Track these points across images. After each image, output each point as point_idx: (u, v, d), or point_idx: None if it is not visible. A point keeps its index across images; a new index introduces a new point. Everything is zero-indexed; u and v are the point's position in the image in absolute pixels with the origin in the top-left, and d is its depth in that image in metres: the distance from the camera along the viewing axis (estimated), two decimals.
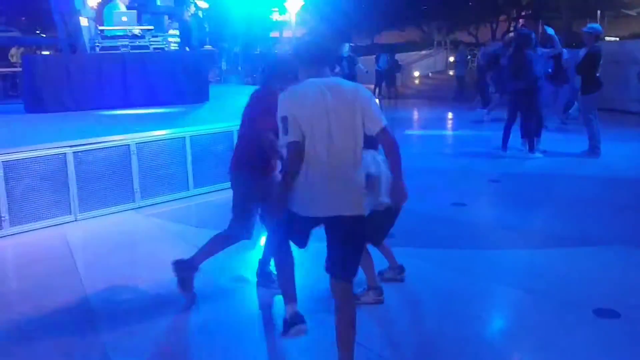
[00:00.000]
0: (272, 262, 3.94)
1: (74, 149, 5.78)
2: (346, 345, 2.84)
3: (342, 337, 2.84)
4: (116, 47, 9.56)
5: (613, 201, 6.30)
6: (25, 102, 8.95)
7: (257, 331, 3.64)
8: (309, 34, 3.11)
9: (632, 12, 25.49)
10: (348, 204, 2.79)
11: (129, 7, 10.23)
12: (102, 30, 9.74)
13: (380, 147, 3.03)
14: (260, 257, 4.15)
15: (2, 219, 5.36)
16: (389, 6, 29.01)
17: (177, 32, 11.15)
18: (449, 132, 13.11)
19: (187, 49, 10.77)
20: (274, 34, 27.52)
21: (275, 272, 3.86)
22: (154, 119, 7.63)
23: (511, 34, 14.14)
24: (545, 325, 3.50)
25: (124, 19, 9.74)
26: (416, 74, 24.34)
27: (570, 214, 5.85)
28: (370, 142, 2.95)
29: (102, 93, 8.84)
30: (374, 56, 20.95)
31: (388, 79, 20.25)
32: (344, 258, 2.85)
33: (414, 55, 26.01)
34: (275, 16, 27.01)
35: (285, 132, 2.75)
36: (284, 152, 2.87)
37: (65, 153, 5.72)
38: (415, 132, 13.11)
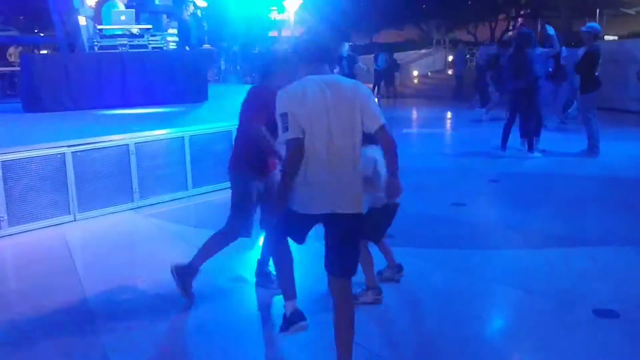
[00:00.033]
0: (270, 262, 3.94)
1: (73, 148, 5.77)
2: (345, 344, 2.83)
3: (341, 336, 2.84)
4: (115, 47, 9.55)
5: (612, 201, 6.30)
6: (23, 102, 8.94)
7: (256, 331, 3.64)
8: (307, 32, 3.10)
9: (631, 11, 25.51)
10: (346, 201, 2.79)
11: (127, 6, 10.23)
12: (100, 30, 9.73)
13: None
14: (259, 257, 4.14)
15: (1, 219, 5.35)
16: (387, 5, 29.01)
17: (175, 31, 11.14)
18: (447, 132, 13.10)
19: (187, 48, 10.76)
20: (273, 33, 27.51)
21: (274, 272, 3.87)
22: (152, 119, 7.62)
23: (510, 34, 14.17)
24: (545, 325, 3.50)
25: (123, 18, 9.73)
26: (415, 73, 24.34)
27: (569, 214, 5.85)
28: (371, 138, 2.95)
29: (100, 92, 8.84)
30: (373, 55, 20.94)
31: (387, 79, 20.24)
32: (342, 256, 2.85)
33: (412, 54, 26.01)
34: (274, 15, 27.00)
35: (285, 129, 2.73)
36: (283, 149, 2.86)
37: (64, 153, 5.71)
38: (414, 131, 13.11)
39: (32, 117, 8.21)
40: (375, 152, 3.27)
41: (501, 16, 32.77)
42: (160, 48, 10.12)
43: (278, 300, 3.68)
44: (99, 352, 3.33)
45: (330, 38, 3.00)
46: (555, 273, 4.32)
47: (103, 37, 9.64)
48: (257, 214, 3.91)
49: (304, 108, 2.73)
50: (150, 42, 9.92)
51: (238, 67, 22.88)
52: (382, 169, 3.17)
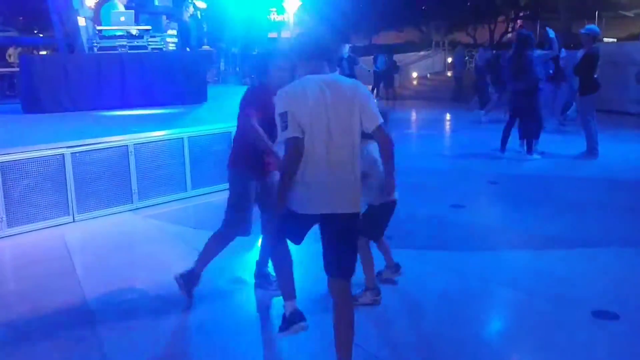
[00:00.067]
0: (269, 264, 3.94)
1: (72, 149, 5.77)
2: (345, 345, 2.83)
3: (341, 337, 2.84)
4: (114, 48, 9.54)
5: (611, 202, 6.31)
6: (22, 103, 8.93)
7: (255, 332, 3.64)
8: (306, 31, 3.10)
9: (630, 14, 25.55)
10: (344, 201, 2.79)
11: (126, 7, 10.22)
12: (100, 30, 9.72)
13: None
14: (258, 258, 4.14)
15: (0, 219, 5.34)
16: (387, 6, 29.00)
17: (175, 33, 11.13)
18: (447, 133, 13.11)
19: (188, 49, 10.76)
20: (272, 34, 27.51)
21: (272, 274, 3.87)
22: (152, 120, 7.61)
23: (509, 36, 14.23)
24: (544, 327, 3.50)
25: (122, 19, 9.72)
26: (414, 74, 24.31)
27: (568, 216, 5.86)
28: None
29: (100, 93, 8.82)
30: (372, 57, 20.94)
31: (386, 80, 20.22)
32: (341, 256, 2.85)
33: (412, 56, 25.98)
34: (274, 16, 27.02)
35: (285, 127, 2.73)
36: (282, 149, 2.86)
37: (63, 154, 5.71)
38: (413, 133, 13.12)
39: (32, 118, 8.20)
40: (376, 150, 3.28)
41: (500, 18, 32.78)
42: (160, 49, 10.11)
43: (277, 301, 3.68)
44: (99, 352, 3.33)
45: (329, 37, 2.99)
46: (554, 274, 4.33)
47: (102, 38, 9.63)
48: (255, 215, 3.91)
49: (304, 107, 2.73)
50: (150, 43, 9.91)
51: (237, 69, 22.86)
52: (381, 167, 3.17)
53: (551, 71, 10.53)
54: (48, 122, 7.52)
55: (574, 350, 3.26)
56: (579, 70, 8.57)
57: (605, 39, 20.92)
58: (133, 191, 6.20)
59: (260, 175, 3.79)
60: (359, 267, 3.22)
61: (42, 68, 8.80)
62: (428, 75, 24.80)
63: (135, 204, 6.23)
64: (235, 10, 22.14)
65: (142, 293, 4.15)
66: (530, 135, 8.61)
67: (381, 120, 2.82)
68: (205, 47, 14.23)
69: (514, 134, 8.77)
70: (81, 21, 9.79)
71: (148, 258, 4.87)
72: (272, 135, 3.30)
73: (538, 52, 8.83)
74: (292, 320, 3.12)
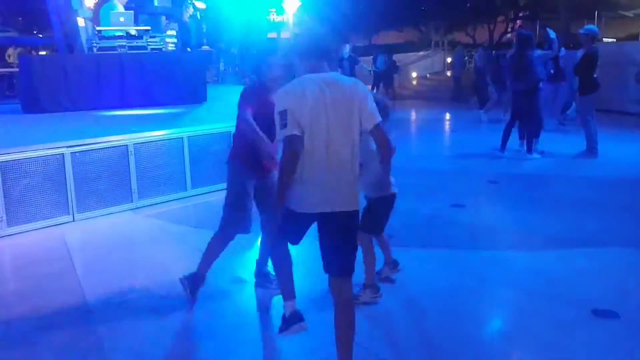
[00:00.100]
0: (269, 262, 3.93)
1: (72, 149, 5.77)
2: (345, 345, 2.83)
3: (342, 336, 2.84)
4: (113, 48, 9.54)
5: (611, 202, 6.31)
6: (22, 103, 8.93)
7: (255, 331, 3.64)
8: (305, 30, 3.10)
9: (629, 14, 25.53)
10: (343, 200, 2.80)
11: (126, 8, 10.22)
12: (99, 31, 9.72)
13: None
14: (258, 257, 4.14)
15: (0, 219, 5.34)
16: (387, 6, 29.00)
17: (174, 33, 11.14)
18: (446, 133, 13.11)
19: (189, 49, 10.76)
20: (272, 34, 27.51)
21: (272, 273, 3.87)
22: (151, 120, 7.61)
23: (508, 36, 14.25)
24: (543, 326, 3.51)
25: (121, 19, 9.72)
26: (414, 74, 24.30)
27: (568, 215, 5.86)
28: None
29: (99, 93, 8.83)
30: (371, 57, 20.93)
31: (385, 80, 20.22)
32: (340, 254, 2.85)
33: (411, 55, 25.97)
34: (273, 17, 27.00)
35: (284, 125, 2.72)
36: (281, 147, 2.86)
37: (63, 153, 5.71)
38: (413, 132, 13.12)
39: (31, 118, 8.20)
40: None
41: (500, 18, 32.77)
42: (159, 49, 10.11)
43: (277, 300, 3.68)
44: (99, 352, 3.32)
45: (329, 36, 2.98)
46: (554, 273, 4.33)
47: (102, 38, 9.63)
48: (255, 213, 3.91)
49: (304, 106, 2.73)
50: (149, 43, 9.92)
51: (237, 69, 22.86)
52: (377, 159, 3.17)
53: (552, 71, 10.54)
54: (48, 122, 7.53)
55: (573, 350, 3.27)
56: (578, 70, 8.58)
57: (605, 39, 20.94)
58: (133, 191, 6.20)
59: (259, 174, 3.78)
60: (359, 267, 3.22)
61: (42, 68, 8.80)
62: (427, 75, 24.79)
63: (135, 203, 6.23)
64: (235, 11, 22.14)
65: (142, 293, 4.14)
66: (530, 135, 8.61)
67: (379, 119, 2.83)
68: (205, 48, 14.24)
69: (514, 133, 8.78)
70: (80, 21, 9.80)
71: (148, 257, 4.87)
72: (271, 134, 3.30)
73: (538, 52, 8.85)
74: (291, 320, 3.12)
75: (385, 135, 2.87)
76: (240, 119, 3.61)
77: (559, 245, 4.94)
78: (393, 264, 4.21)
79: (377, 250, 4.00)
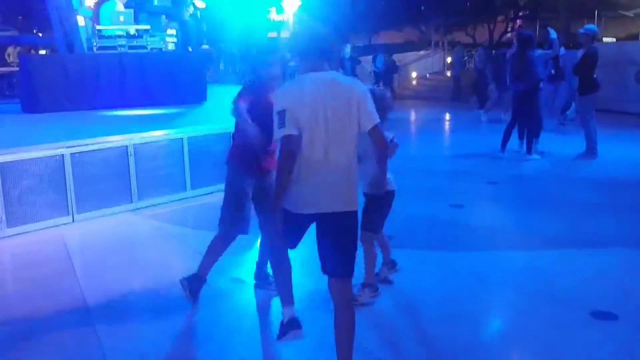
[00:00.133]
0: (269, 264, 3.93)
1: (72, 149, 5.77)
2: (345, 346, 2.83)
3: (341, 338, 2.84)
4: (113, 47, 9.55)
5: (610, 203, 6.31)
6: (22, 102, 8.93)
7: (255, 333, 3.64)
8: (305, 29, 3.07)
9: (629, 13, 25.55)
10: (341, 200, 2.79)
11: (126, 7, 10.23)
12: (99, 30, 9.72)
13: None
14: (257, 258, 4.15)
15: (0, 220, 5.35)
16: (386, 6, 29.00)
17: (174, 32, 11.14)
18: (446, 133, 13.12)
19: (190, 49, 10.76)
20: (272, 34, 27.51)
21: (272, 274, 3.87)
22: (151, 120, 7.62)
23: (508, 35, 14.24)
24: (542, 327, 3.51)
25: (121, 18, 9.73)
26: (414, 74, 24.30)
27: (567, 216, 5.86)
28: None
29: (99, 93, 8.83)
30: (371, 57, 20.92)
31: (385, 80, 20.22)
32: (340, 255, 2.84)
33: (411, 55, 25.96)
34: (273, 16, 26.96)
35: (282, 124, 2.70)
36: (277, 146, 2.85)
37: (62, 154, 5.70)
38: (412, 133, 13.11)
39: (31, 117, 8.21)
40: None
41: (500, 18, 32.76)
42: (159, 49, 10.12)
43: (277, 302, 3.67)
44: (99, 353, 3.32)
45: (329, 36, 2.96)
46: (552, 274, 4.33)
47: (102, 37, 9.64)
48: (254, 214, 3.91)
49: (303, 106, 2.72)
50: (149, 42, 9.92)
51: (237, 68, 22.86)
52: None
53: (553, 71, 10.54)
54: (47, 122, 7.53)
55: (572, 351, 3.26)
56: (578, 70, 8.58)
57: (605, 39, 20.96)
58: (132, 191, 6.20)
59: (257, 174, 3.78)
60: (358, 268, 3.22)
61: (42, 68, 8.81)
62: (427, 75, 24.79)
63: (134, 204, 6.23)
64: (234, 10, 22.14)
65: (142, 293, 4.15)
66: (530, 136, 8.61)
67: (378, 120, 2.82)
68: (205, 47, 14.24)
69: (514, 133, 8.78)
70: (80, 21, 9.80)
71: (147, 258, 4.87)
72: (269, 134, 3.29)
73: (539, 51, 8.85)
74: (288, 327, 3.12)
75: (383, 136, 2.87)
76: (235, 111, 3.62)
77: (558, 246, 4.94)
78: (391, 264, 4.23)
79: (377, 251, 4.00)
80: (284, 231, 2.93)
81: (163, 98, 9.12)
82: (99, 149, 5.97)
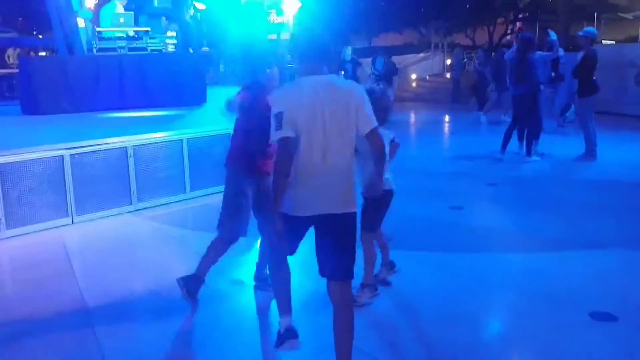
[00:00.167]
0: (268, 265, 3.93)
1: (71, 151, 5.77)
2: (344, 348, 2.83)
3: (340, 340, 2.84)
4: (113, 49, 9.55)
5: (610, 204, 6.31)
6: (22, 104, 8.94)
7: (255, 335, 3.64)
8: (305, 30, 3.06)
9: (629, 16, 25.57)
10: (339, 202, 2.79)
11: (126, 9, 10.23)
12: (99, 32, 9.73)
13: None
14: (257, 260, 4.14)
15: None
16: (386, 8, 29.00)
17: (174, 34, 11.14)
18: (446, 135, 13.12)
19: (191, 50, 10.77)
20: (272, 36, 27.53)
21: None
22: (151, 121, 7.62)
23: (508, 37, 14.25)
24: (541, 329, 3.51)
25: (121, 20, 9.74)
26: (413, 76, 24.30)
27: (567, 217, 5.86)
28: (380, 120, 2.98)
29: (99, 95, 8.83)
30: (370, 59, 20.92)
31: (385, 82, 20.22)
32: (340, 257, 2.83)
33: (411, 57, 25.97)
34: (273, 18, 26.98)
35: (279, 127, 2.70)
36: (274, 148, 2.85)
37: (62, 155, 5.71)
38: (412, 135, 13.12)
39: (31, 119, 8.21)
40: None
41: (499, 20, 32.77)
42: (159, 50, 10.12)
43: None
44: (98, 354, 3.32)
45: (328, 38, 2.96)
46: (552, 276, 4.33)
47: (102, 39, 9.64)
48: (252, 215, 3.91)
49: (301, 109, 2.72)
50: (149, 44, 9.93)
51: (237, 70, 22.86)
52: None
53: (553, 74, 10.55)
54: (47, 124, 7.53)
55: (571, 352, 3.27)
56: (577, 72, 8.59)
57: (604, 41, 20.95)
58: (132, 193, 6.20)
59: (256, 175, 3.78)
60: (357, 269, 3.22)
61: (42, 69, 8.82)
62: (427, 77, 24.79)
63: (134, 205, 6.23)
64: (235, 12, 22.15)
65: (141, 295, 4.15)
66: (529, 137, 8.62)
67: (375, 124, 2.82)
68: (205, 49, 14.25)
69: (514, 135, 8.78)
70: (80, 22, 9.80)
71: (147, 260, 4.87)
72: (267, 134, 3.29)
73: (539, 53, 8.86)
74: (285, 337, 3.11)
75: (381, 139, 2.88)
76: (226, 104, 3.64)
77: (557, 247, 4.94)
78: (390, 265, 4.23)
79: (376, 251, 4.01)
80: (285, 237, 2.92)
81: (163, 100, 9.13)
82: (98, 150, 5.97)
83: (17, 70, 11.39)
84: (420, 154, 10.00)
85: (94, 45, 9.58)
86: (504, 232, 5.52)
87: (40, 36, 25.59)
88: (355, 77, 13.77)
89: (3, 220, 5.36)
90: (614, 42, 21.95)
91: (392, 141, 3.84)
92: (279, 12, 24.55)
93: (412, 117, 16.08)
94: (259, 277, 4.12)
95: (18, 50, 16.91)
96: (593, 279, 4.28)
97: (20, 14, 26.18)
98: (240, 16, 22.57)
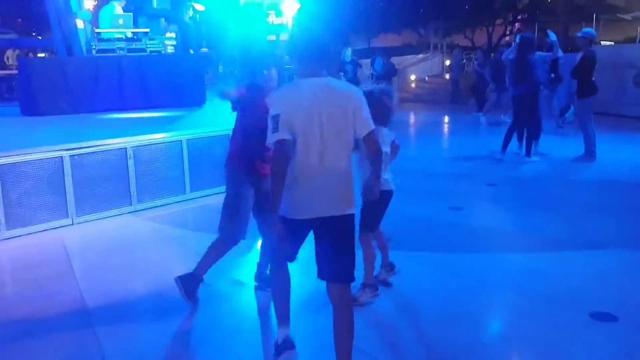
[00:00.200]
0: (269, 266, 3.93)
1: (71, 152, 5.77)
2: (344, 349, 2.82)
3: (340, 342, 2.83)
4: (112, 50, 9.56)
5: (609, 204, 6.32)
6: (21, 105, 8.95)
7: (255, 335, 3.64)
8: (304, 31, 3.05)
9: (627, 17, 25.64)
10: (338, 204, 2.78)
11: (125, 10, 10.23)
12: (98, 33, 9.74)
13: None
14: (258, 260, 4.15)
15: None
16: (385, 9, 29.02)
17: (173, 35, 11.15)
18: (445, 136, 13.14)
19: (192, 51, 10.78)
20: (271, 37, 27.53)
21: None
22: (150, 123, 7.62)
23: (507, 38, 14.26)
24: (541, 329, 3.51)
25: (120, 21, 9.75)
26: (412, 77, 24.33)
27: (567, 217, 5.87)
28: (382, 121, 2.98)
29: (98, 96, 8.85)
30: (369, 60, 20.93)
31: (385, 83, 20.21)
32: (340, 259, 2.82)
33: (410, 58, 26.02)
34: (272, 19, 26.99)
35: (275, 129, 2.69)
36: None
37: (61, 156, 5.70)
38: (412, 135, 13.12)
39: (30, 120, 8.21)
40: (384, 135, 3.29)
41: (498, 21, 32.81)
42: (158, 52, 10.13)
43: None
44: (98, 355, 3.32)
45: (328, 40, 2.95)
46: (552, 276, 4.33)
47: (101, 40, 9.65)
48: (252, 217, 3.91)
49: (298, 111, 2.72)
50: (148, 45, 9.94)
51: (236, 71, 22.88)
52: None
53: (553, 75, 10.57)
54: (46, 125, 7.53)
55: (572, 352, 3.27)
56: (576, 73, 8.60)
57: (603, 42, 21.00)
58: (132, 194, 6.20)
59: (256, 177, 3.78)
60: (357, 269, 3.22)
61: (41, 71, 8.82)
62: (426, 78, 24.82)
63: (134, 206, 6.23)
64: (234, 13, 22.16)
65: (141, 295, 4.15)
66: (529, 138, 8.63)
67: (373, 127, 2.82)
68: (204, 50, 14.24)
69: (514, 136, 8.79)
70: (79, 24, 9.81)
71: (147, 260, 4.87)
72: (265, 134, 3.29)
73: (539, 53, 8.88)
74: (282, 348, 3.10)
75: (377, 143, 2.87)
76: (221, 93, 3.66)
77: (557, 248, 4.95)
78: (389, 267, 4.23)
79: (376, 252, 4.01)
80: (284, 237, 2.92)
81: (162, 101, 9.13)
82: (98, 151, 5.97)
83: (16, 72, 11.41)
84: (419, 154, 10.00)
85: (93, 47, 9.59)
86: (503, 232, 5.52)
87: (40, 37, 25.59)
88: (355, 79, 13.78)
89: (3, 221, 5.36)
90: (612, 43, 21.99)
91: (392, 142, 3.85)
92: (278, 14, 24.57)
93: (412, 118, 16.08)
94: (259, 278, 4.12)
95: (17, 51, 16.92)
96: (593, 279, 4.28)
97: (20, 15, 26.18)
98: (239, 17, 22.57)
